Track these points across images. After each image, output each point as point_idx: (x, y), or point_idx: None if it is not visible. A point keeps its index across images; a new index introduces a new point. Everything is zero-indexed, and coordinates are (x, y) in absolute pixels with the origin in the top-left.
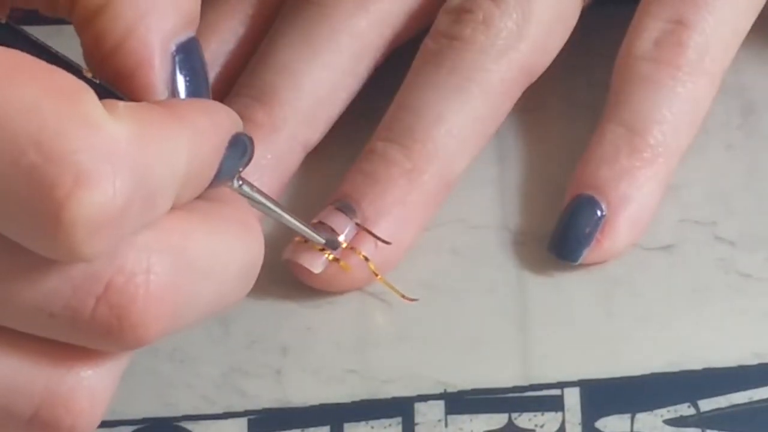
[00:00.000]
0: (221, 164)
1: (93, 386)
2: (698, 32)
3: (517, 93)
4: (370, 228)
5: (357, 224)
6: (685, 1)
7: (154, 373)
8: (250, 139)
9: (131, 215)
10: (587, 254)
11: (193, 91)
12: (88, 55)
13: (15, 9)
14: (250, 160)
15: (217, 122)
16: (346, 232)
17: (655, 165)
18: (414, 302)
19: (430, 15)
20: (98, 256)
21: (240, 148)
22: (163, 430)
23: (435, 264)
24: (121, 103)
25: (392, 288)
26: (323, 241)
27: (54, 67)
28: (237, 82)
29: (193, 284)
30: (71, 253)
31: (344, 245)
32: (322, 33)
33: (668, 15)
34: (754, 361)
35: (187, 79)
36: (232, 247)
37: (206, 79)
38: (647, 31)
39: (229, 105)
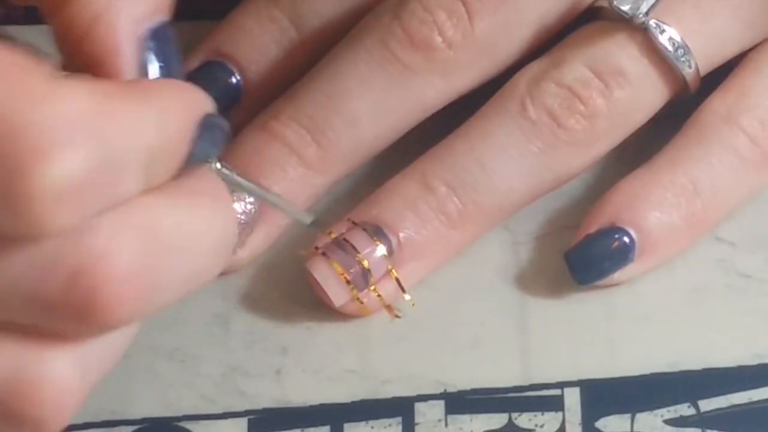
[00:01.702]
0: (194, 144)
1: (60, 377)
2: None
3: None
4: (398, 265)
5: (384, 256)
6: None
7: (154, 373)
8: (225, 122)
9: (96, 187)
10: (596, 283)
11: (166, 78)
12: (59, 45)
13: None
14: (226, 142)
15: (186, 99)
16: (374, 262)
17: (695, 230)
18: (398, 318)
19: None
20: (65, 228)
21: (213, 130)
22: (163, 430)
23: None
24: (78, 76)
25: (388, 308)
26: (309, 221)
27: (1, 45)
28: (292, 99)
29: (163, 262)
30: (37, 226)
31: (372, 288)
32: (399, 98)
33: None
34: (754, 362)
35: (161, 66)
36: (202, 222)
37: (180, 65)
38: (759, 109)
39: (279, 122)
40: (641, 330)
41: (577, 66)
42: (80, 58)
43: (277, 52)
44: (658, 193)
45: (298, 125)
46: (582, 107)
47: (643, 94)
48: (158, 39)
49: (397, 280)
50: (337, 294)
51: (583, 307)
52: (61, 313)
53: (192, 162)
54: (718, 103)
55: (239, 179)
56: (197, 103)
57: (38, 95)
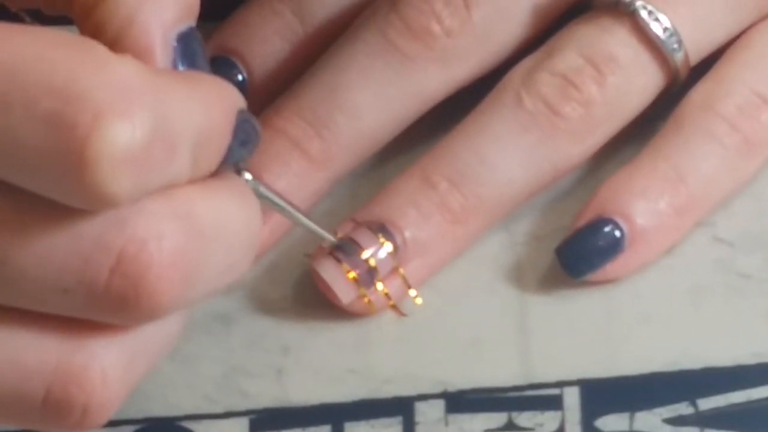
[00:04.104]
0: (232, 138)
1: (105, 364)
2: None
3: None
4: (403, 262)
5: (390, 253)
6: None
7: (156, 372)
8: (257, 121)
9: (154, 158)
10: (590, 276)
11: None
12: None
13: (17, 11)
14: (257, 143)
15: (225, 93)
16: (379, 259)
17: (684, 218)
18: (403, 314)
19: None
20: (126, 197)
21: (247, 127)
22: (164, 430)
23: None
24: (129, 56)
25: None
26: (333, 239)
27: (55, 29)
28: (294, 95)
29: (203, 250)
30: (98, 192)
31: (380, 287)
32: (400, 88)
33: (758, 88)
34: (753, 361)
35: (188, 68)
36: (235, 214)
37: (207, 69)
38: (735, 95)
39: (281, 118)
40: (640, 329)
41: (569, 54)
42: None
43: (282, 45)
44: (641, 182)
45: (300, 119)
46: (577, 94)
47: (635, 80)
48: (186, 42)
49: (403, 276)
50: (345, 292)
51: (583, 307)
52: (107, 303)
53: (228, 161)
54: (695, 93)
55: (266, 192)
56: (234, 98)
57: (97, 63)
